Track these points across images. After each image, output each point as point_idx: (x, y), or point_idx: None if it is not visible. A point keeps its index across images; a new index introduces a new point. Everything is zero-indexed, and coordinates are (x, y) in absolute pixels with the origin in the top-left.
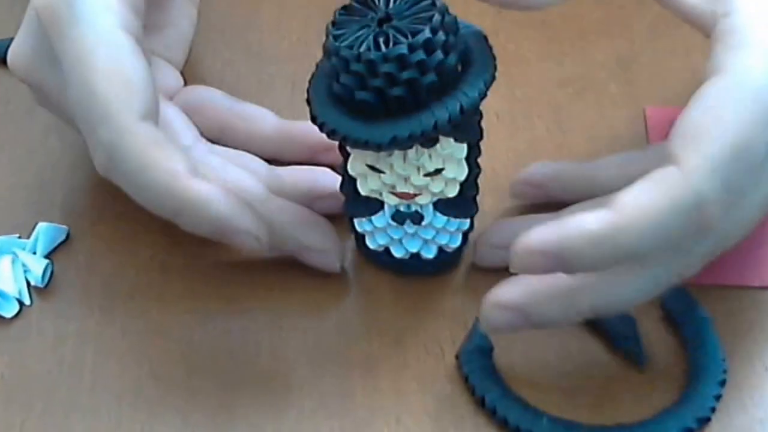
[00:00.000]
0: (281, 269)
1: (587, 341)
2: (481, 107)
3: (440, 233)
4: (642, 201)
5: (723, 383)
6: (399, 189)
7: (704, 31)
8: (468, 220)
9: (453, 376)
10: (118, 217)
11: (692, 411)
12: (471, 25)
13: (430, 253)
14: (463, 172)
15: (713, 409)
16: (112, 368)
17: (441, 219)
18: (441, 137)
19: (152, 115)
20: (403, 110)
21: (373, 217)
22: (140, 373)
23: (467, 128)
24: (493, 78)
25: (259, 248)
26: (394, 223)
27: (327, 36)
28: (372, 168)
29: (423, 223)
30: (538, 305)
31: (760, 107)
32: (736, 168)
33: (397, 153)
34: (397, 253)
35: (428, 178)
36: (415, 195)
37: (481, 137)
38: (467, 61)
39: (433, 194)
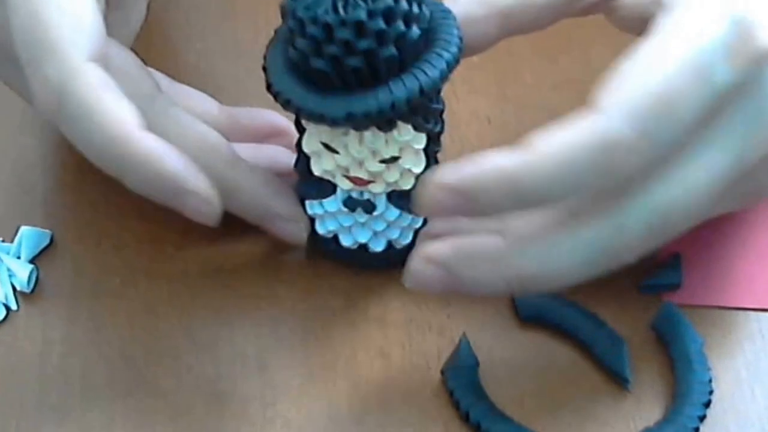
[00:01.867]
0: (269, 280)
1: (574, 359)
2: (447, 101)
3: (392, 227)
4: (552, 139)
5: (708, 404)
6: (353, 173)
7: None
8: (420, 219)
9: (438, 391)
10: (101, 220)
11: (675, 430)
12: (439, 3)
13: (378, 246)
14: (420, 164)
15: (696, 430)
16: (101, 375)
17: (394, 212)
18: (399, 123)
19: (102, 58)
20: (359, 83)
21: (324, 201)
22: (128, 380)
23: (428, 117)
24: (457, 60)
25: (210, 215)
26: (345, 209)
27: None
28: (327, 147)
29: (375, 213)
30: (466, 264)
31: (691, 64)
32: (657, 118)
33: (353, 134)
34: (345, 241)
35: (383, 166)
36: (369, 182)
37: (442, 130)
38: (431, 38)
39: (388, 184)
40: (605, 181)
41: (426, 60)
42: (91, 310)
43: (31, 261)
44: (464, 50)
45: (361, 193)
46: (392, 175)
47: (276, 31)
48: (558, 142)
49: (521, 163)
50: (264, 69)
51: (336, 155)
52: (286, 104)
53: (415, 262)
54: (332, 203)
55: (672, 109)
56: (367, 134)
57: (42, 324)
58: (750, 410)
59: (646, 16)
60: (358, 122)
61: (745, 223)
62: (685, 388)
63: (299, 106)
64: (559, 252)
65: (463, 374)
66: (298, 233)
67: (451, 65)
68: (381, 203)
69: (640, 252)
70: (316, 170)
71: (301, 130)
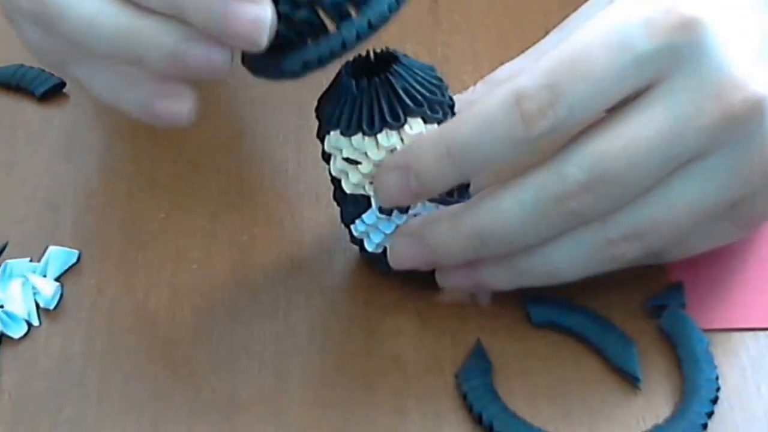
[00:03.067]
0: (288, 291)
1: (584, 361)
2: (452, 93)
3: None
4: (474, 105)
5: (715, 401)
6: None
7: None
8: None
9: (452, 394)
10: (127, 240)
11: (684, 427)
12: None
13: None
14: None
15: (704, 426)
16: (117, 387)
17: (429, 206)
18: (409, 119)
19: None
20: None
21: (363, 216)
22: (144, 393)
23: (435, 108)
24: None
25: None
26: (383, 216)
27: None
28: (349, 161)
29: (411, 211)
30: (431, 228)
31: (603, 34)
32: (565, 74)
33: (367, 140)
34: None
35: None
36: None
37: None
38: None
39: None
40: (523, 133)
41: (374, 3)
42: (111, 326)
43: (58, 279)
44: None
45: None
46: None
47: None
48: (478, 104)
49: (443, 126)
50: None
51: (359, 166)
52: (255, 73)
53: (394, 240)
54: (370, 216)
55: (583, 69)
56: (381, 136)
57: (62, 340)
58: (756, 406)
59: None
60: (314, 69)
61: (746, 243)
62: (693, 386)
63: (264, 72)
64: (508, 203)
65: (477, 377)
66: (220, 58)
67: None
68: None
69: (587, 204)
70: (347, 188)
71: (327, 159)
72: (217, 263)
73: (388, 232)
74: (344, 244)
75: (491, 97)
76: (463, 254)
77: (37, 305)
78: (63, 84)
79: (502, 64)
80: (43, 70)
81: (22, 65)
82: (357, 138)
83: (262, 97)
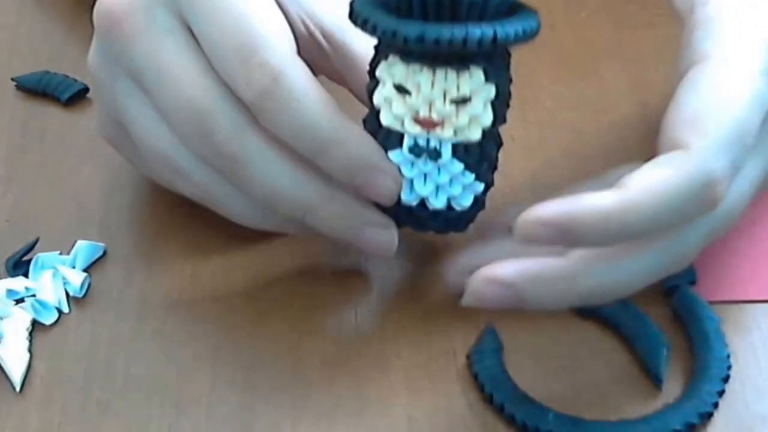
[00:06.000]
0: (305, 278)
1: (595, 341)
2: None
3: (454, 182)
4: (652, 181)
5: (726, 379)
6: (422, 114)
7: (682, 18)
8: (482, 184)
9: (464, 375)
10: (152, 236)
11: (695, 406)
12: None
13: (439, 203)
14: (488, 118)
15: (716, 405)
16: (143, 371)
17: (458, 165)
18: (472, 67)
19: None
20: (438, 17)
21: (390, 152)
22: (168, 376)
23: (499, 72)
24: (530, 35)
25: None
26: (410, 156)
27: None
28: (399, 89)
29: (439, 161)
30: (534, 285)
31: (752, 89)
32: (739, 147)
33: (425, 71)
34: (407, 196)
35: (453, 107)
36: (437, 125)
37: (510, 97)
38: (513, 17)
39: (456, 129)
40: (707, 212)
41: (505, 21)
42: (137, 313)
43: (86, 270)
44: (537, 35)
45: (428, 141)
46: (461, 118)
47: None
48: (659, 183)
49: (621, 202)
50: None
51: (407, 97)
52: (363, 24)
53: (478, 282)
54: (398, 154)
55: (747, 136)
56: (439, 73)
57: (91, 326)
58: (767, 384)
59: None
60: (429, 46)
61: (752, 219)
62: (704, 365)
63: (375, 23)
64: (623, 269)
65: (488, 358)
66: (389, 240)
67: (527, 33)
68: (446, 152)
69: (696, 257)
70: (386, 120)
71: (375, 84)
72: (237, 254)
73: (409, 176)
74: None
75: (671, 177)
76: (561, 307)
77: (67, 294)
78: (86, 89)
79: (519, 91)
80: (67, 77)
81: (47, 72)
82: (415, 66)
83: None
